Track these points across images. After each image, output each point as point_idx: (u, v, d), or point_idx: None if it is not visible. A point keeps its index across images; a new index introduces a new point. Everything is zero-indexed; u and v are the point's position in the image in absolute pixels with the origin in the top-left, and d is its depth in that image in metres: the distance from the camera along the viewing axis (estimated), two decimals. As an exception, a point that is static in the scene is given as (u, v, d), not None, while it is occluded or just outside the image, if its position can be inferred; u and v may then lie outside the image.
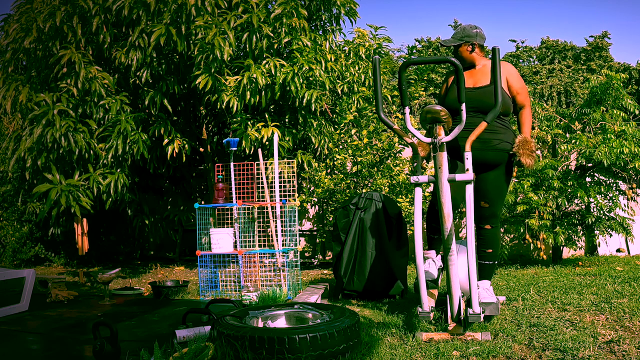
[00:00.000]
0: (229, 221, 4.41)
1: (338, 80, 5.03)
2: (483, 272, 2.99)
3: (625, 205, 5.24)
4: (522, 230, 5.11)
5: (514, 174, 5.15)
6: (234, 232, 4.09)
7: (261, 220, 4.58)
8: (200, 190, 6.09)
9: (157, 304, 3.63)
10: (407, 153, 5.87)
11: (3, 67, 4.60)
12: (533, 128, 5.51)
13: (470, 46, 2.98)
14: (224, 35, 4.18)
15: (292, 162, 4.47)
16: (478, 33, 2.99)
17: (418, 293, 2.64)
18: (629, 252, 6.22)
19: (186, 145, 4.69)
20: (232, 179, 4.26)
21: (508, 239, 5.76)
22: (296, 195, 4.56)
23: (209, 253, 3.95)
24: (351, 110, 5.58)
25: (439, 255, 3.18)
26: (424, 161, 2.95)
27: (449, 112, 2.53)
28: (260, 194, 4.41)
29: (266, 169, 4.36)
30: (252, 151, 4.47)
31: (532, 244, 5.44)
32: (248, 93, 4.27)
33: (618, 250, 6.24)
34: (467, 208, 2.54)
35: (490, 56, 2.73)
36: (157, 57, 4.48)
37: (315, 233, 6.30)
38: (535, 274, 4.48)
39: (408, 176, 5.54)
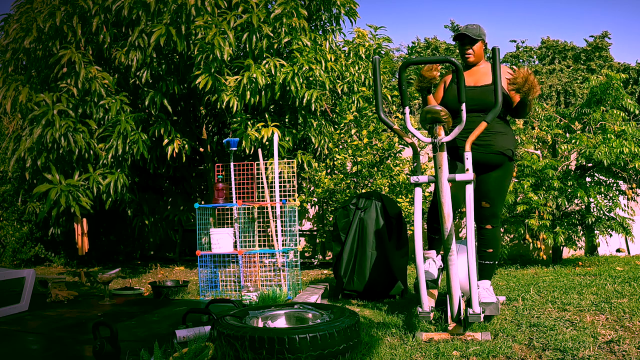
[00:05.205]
0: (229, 221, 4.41)
1: (338, 80, 5.03)
2: (483, 272, 2.99)
3: (625, 205, 5.23)
4: (522, 231, 5.11)
5: (514, 173, 5.17)
6: (234, 232, 4.09)
7: (261, 220, 4.58)
8: (200, 190, 6.09)
9: (157, 304, 3.63)
10: (407, 153, 5.87)
11: (3, 67, 4.61)
12: (533, 128, 5.51)
13: (484, 45, 3.00)
14: (224, 35, 4.18)
15: (292, 162, 4.47)
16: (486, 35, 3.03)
17: (418, 293, 2.64)
18: (629, 252, 6.21)
19: (186, 146, 4.69)
20: (232, 179, 4.26)
21: (508, 239, 5.76)
22: (296, 195, 4.56)
23: (209, 253, 3.95)
24: (351, 110, 5.58)
25: (439, 255, 3.18)
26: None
27: (449, 112, 2.53)
28: (260, 194, 4.41)
29: (266, 169, 4.36)
30: (252, 151, 4.47)
31: (532, 244, 5.44)
32: (248, 93, 4.27)
33: (618, 250, 6.24)
34: (467, 208, 2.54)
35: (488, 55, 2.73)
36: (157, 57, 4.48)
37: (315, 233, 6.30)
38: (535, 274, 4.48)
39: (408, 176, 5.54)
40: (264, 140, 4.40)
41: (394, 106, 7.39)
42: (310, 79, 4.45)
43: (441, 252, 3.16)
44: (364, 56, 5.20)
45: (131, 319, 3.10)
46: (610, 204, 5.18)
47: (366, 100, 5.48)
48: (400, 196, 5.41)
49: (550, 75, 18.31)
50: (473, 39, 2.92)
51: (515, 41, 21.66)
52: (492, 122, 2.59)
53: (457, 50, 3.11)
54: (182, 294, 4.07)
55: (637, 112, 5.22)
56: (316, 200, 5.97)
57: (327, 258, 6.28)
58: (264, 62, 4.33)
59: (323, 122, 5.07)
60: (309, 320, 2.43)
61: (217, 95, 4.27)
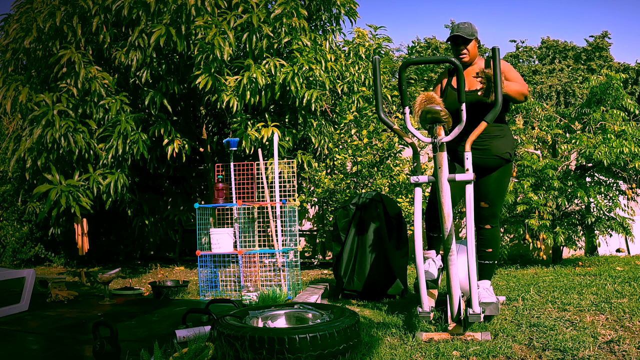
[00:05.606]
0: (229, 221, 4.41)
1: (338, 80, 5.03)
2: (483, 271, 2.99)
3: (625, 205, 5.23)
4: (522, 231, 5.11)
5: (514, 174, 5.17)
6: (234, 232, 4.09)
7: (261, 220, 4.58)
8: (200, 190, 6.09)
9: (157, 304, 3.63)
10: (407, 153, 5.87)
11: (3, 67, 4.61)
12: (533, 128, 5.51)
13: (477, 42, 2.98)
14: (224, 35, 4.18)
15: (292, 162, 4.47)
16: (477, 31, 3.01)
17: (418, 293, 2.64)
18: (629, 252, 6.21)
19: (186, 145, 4.69)
20: (232, 179, 4.26)
21: (508, 239, 5.75)
22: (296, 195, 4.56)
23: (209, 253, 3.95)
24: (351, 110, 5.58)
25: (439, 255, 3.18)
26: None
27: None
28: (260, 194, 4.41)
29: (266, 169, 4.36)
30: (252, 151, 4.47)
31: (532, 244, 5.44)
32: (248, 93, 4.27)
33: (618, 250, 6.24)
34: (467, 208, 2.54)
35: (488, 54, 2.73)
36: (157, 57, 4.48)
37: (315, 233, 6.30)
38: (535, 274, 4.48)
39: (408, 176, 5.54)
40: (264, 140, 4.40)
41: (394, 106, 7.39)
42: (310, 79, 4.45)
43: (441, 252, 3.16)
44: (364, 56, 5.20)
45: (131, 319, 3.10)
46: (610, 204, 5.18)
47: (366, 100, 5.48)
48: (400, 196, 5.41)
49: (550, 75, 18.31)
50: (467, 39, 2.90)
51: (515, 41, 21.67)
52: (492, 121, 2.58)
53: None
54: (182, 294, 4.07)
55: (637, 112, 5.22)
56: (316, 200, 5.97)
57: (327, 258, 6.28)
58: (264, 62, 4.33)
59: (323, 122, 5.07)
60: (309, 320, 2.43)
61: (217, 95, 4.27)
